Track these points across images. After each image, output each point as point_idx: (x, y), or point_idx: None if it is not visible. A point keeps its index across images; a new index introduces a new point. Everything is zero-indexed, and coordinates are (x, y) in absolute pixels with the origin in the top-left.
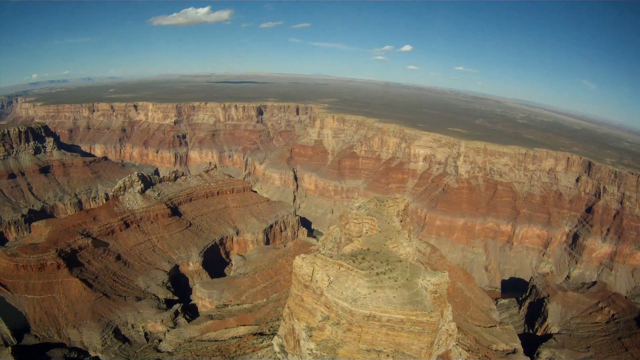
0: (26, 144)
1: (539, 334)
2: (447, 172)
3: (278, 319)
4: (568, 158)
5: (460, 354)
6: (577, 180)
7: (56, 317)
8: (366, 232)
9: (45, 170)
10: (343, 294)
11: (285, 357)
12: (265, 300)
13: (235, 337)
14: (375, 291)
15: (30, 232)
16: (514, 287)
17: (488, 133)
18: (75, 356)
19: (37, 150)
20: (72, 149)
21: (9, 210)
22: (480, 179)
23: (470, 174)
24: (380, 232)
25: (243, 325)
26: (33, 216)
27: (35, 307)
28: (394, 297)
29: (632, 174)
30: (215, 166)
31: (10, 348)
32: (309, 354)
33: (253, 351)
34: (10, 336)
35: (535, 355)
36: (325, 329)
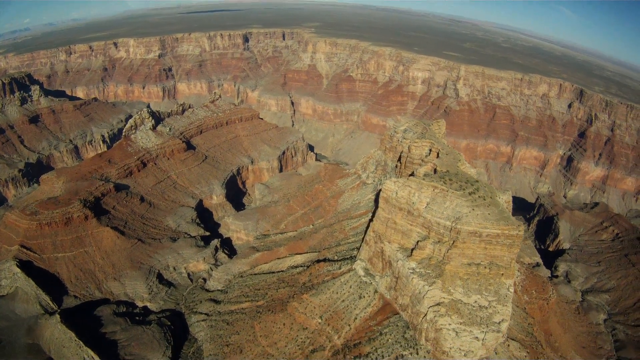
0: (11, 96)
1: (551, 249)
2: (446, 95)
3: (339, 244)
4: (560, 85)
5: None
6: (569, 106)
7: (93, 272)
8: (426, 156)
9: (34, 120)
10: (444, 213)
11: (372, 280)
12: (311, 226)
13: (295, 267)
14: (473, 209)
15: (32, 186)
16: (515, 206)
17: (481, 57)
18: (124, 310)
19: (23, 101)
20: (57, 94)
21: (4, 167)
22: (479, 102)
23: (469, 97)
24: (446, 154)
25: (298, 254)
26: (30, 169)
27: (68, 266)
28: (489, 214)
29: (622, 103)
30: (220, 96)
31: (57, 316)
32: (411, 272)
33: (333, 278)
34: (50, 302)
35: (552, 268)
36: (426, 247)
